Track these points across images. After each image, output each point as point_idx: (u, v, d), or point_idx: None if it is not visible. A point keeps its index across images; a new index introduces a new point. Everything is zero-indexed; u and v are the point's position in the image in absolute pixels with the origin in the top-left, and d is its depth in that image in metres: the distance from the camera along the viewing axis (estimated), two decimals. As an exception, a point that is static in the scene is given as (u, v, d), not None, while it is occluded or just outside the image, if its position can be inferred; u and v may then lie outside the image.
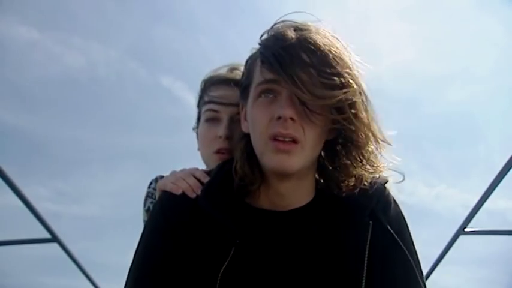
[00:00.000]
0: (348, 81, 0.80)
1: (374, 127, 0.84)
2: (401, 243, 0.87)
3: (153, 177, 1.29)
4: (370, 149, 0.85)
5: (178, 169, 1.02)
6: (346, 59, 0.82)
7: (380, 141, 0.85)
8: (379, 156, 0.86)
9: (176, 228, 0.85)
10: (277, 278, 0.83)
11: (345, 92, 0.78)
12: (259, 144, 0.84)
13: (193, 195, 0.90)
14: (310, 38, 0.81)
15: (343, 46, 0.84)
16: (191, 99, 1.22)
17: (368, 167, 0.86)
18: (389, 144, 0.85)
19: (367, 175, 0.87)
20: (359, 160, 0.86)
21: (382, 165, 0.87)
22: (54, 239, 2.72)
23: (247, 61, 0.92)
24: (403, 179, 0.90)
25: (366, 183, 0.88)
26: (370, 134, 0.83)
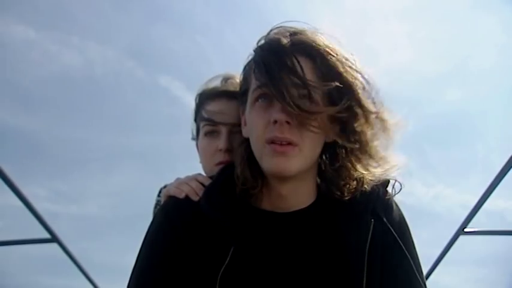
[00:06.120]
0: (343, 88, 0.79)
1: (375, 125, 0.83)
2: (402, 245, 0.87)
3: (153, 179, 1.30)
4: (373, 147, 0.84)
5: (178, 170, 1.04)
6: (342, 63, 0.81)
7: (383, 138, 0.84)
8: (383, 153, 0.85)
9: (179, 230, 0.86)
10: (277, 278, 0.83)
11: (336, 105, 0.78)
12: (257, 148, 0.84)
13: (196, 198, 0.91)
14: (305, 43, 0.81)
15: (341, 48, 0.83)
16: (189, 98, 1.22)
17: (371, 167, 0.86)
18: (392, 139, 0.84)
19: (369, 177, 0.87)
20: (361, 160, 0.86)
21: (387, 161, 0.86)
22: (53, 239, 2.72)
23: (244, 67, 0.92)
24: (401, 187, 0.90)
25: (366, 186, 0.88)
26: (370, 134, 0.83)
